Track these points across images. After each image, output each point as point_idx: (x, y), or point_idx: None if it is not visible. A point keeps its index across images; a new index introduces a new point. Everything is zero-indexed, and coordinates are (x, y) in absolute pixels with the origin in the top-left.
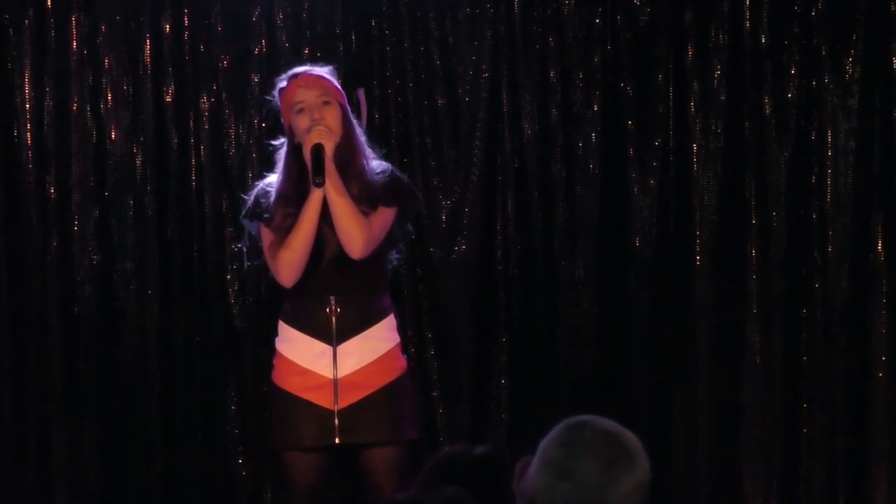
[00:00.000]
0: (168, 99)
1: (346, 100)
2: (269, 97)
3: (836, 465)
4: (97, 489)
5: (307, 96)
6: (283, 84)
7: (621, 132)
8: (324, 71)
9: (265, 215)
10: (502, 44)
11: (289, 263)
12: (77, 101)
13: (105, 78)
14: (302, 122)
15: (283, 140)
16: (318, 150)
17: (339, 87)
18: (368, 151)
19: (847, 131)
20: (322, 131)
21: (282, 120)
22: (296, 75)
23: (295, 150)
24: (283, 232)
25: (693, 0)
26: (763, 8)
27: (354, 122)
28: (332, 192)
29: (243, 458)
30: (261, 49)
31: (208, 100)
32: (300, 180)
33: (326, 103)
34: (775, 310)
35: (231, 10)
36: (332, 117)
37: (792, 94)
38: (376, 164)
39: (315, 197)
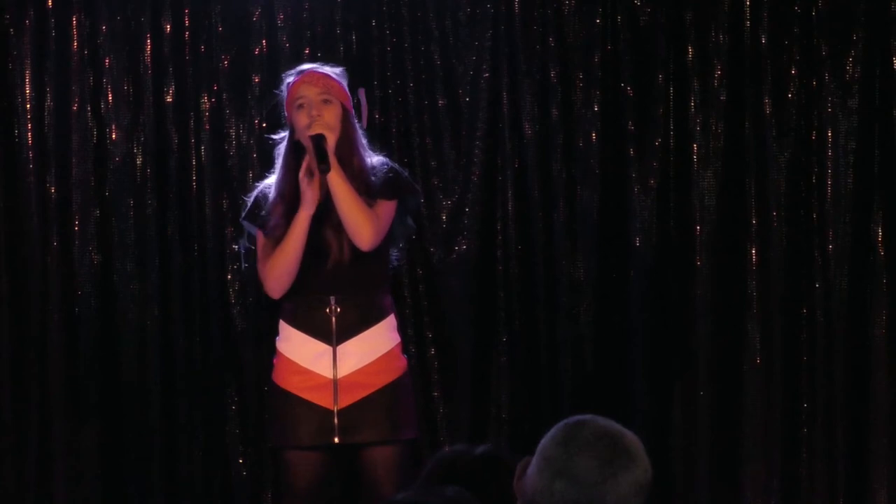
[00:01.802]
0: (168, 99)
1: (350, 102)
2: (276, 91)
3: (836, 465)
4: (97, 489)
5: (308, 92)
6: (290, 79)
7: (621, 132)
8: (332, 71)
9: (258, 221)
10: (502, 44)
11: (274, 277)
12: (77, 101)
13: (105, 78)
14: (301, 119)
15: (283, 135)
16: (319, 139)
17: (344, 87)
18: (369, 152)
19: (847, 131)
20: (322, 124)
21: (284, 114)
22: (302, 71)
23: (294, 145)
24: (275, 241)
25: (693, 0)
26: (763, 8)
27: (356, 124)
28: (337, 184)
29: (243, 458)
30: (261, 49)
31: (208, 100)
32: (298, 176)
33: (327, 101)
34: (775, 310)
35: (231, 11)
36: (332, 115)
37: (792, 94)
38: (376, 161)
39: (302, 217)
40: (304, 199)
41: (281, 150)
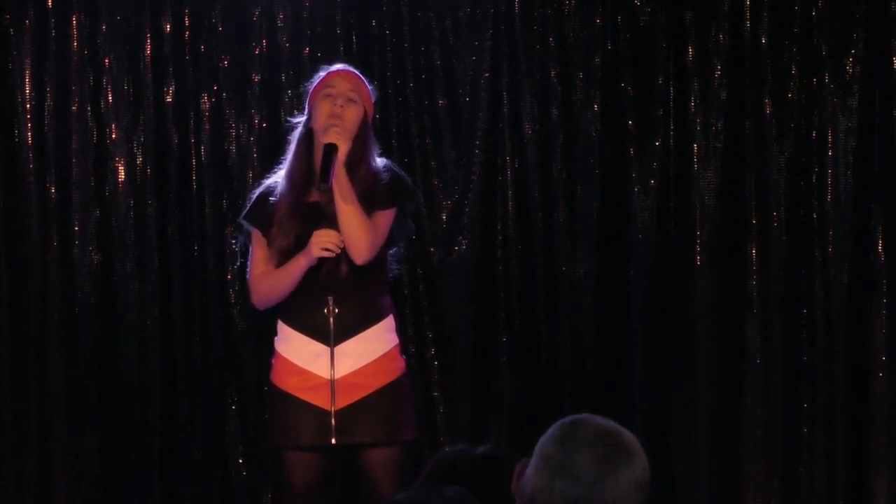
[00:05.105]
0: (168, 99)
1: (372, 111)
2: (307, 82)
3: (836, 465)
4: (97, 489)
5: (340, 84)
6: (323, 73)
7: (621, 132)
8: (366, 80)
9: (257, 222)
10: (502, 44)
11: (260, 296)
12: (77, 100)
13: (105, 78)
14: (324, 107)
15: (300, 119)
16: (329, 149)
17: (371, 97)
18: (378, 159)
19: (847, 131)
20: (338, 133)
21: (306, 104)
22: (339, 67)
23: (308, 133)
24: (277, 251)
25: (693, 0)
26: (763, 8)
27: (371, 132)
28: (340, 199)
29: (243, 458)
30: (261, 49)
31: (208, 100)
32: (309, 166)
33: (353, 101)
34: (775, 310)
35: (231, 10)
36: (353, 115)
37: (792, 94)
38: (380, 163)
39: (301, 264)
40: (308, 250)
41: (295, 136)
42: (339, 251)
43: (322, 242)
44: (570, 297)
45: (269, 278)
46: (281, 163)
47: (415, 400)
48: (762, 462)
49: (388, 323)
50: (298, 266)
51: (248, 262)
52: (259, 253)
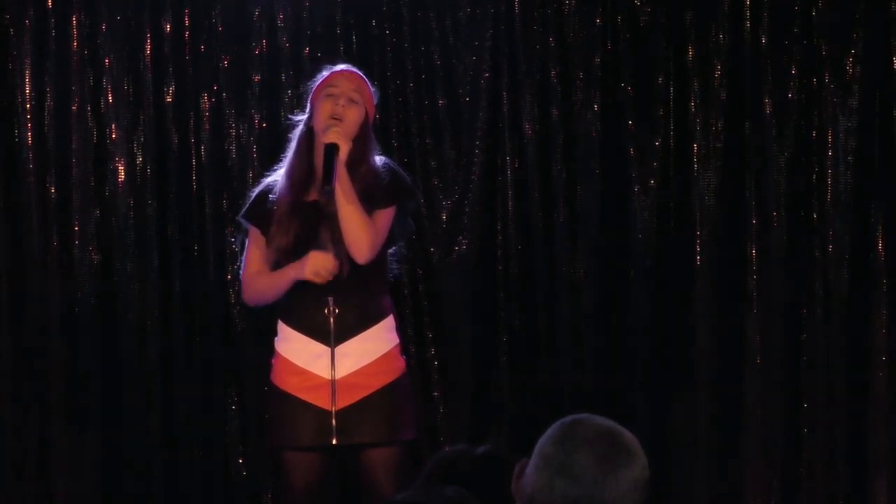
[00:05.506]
0: (168, 99)
1: (373, 112)
2: (308, 82)
3: (836, 465)
4: (97, 489)
5: (342, 84)
6: (326, 73)
7: (621, 132)
8: (369, 82)
9: (256, 220)
10: (502, 44)
11: (252, 296)
12: (77, 100)
13: (105, 78)
14: (325, 106)
15: (301, 118)
16: (331, 150)
17: (373, 98)
18: (378, 158)
19: (847, 131)
20: (339, 133)
21: (308, 102)
22: (342, 68)
23: (309, 132)
24: (273, 249)
25: (693, 0)
26: (763, 8)
27: (372, 133)
28: (342, 200)
29: (243, 458)
30: (261, 49)
31: (208, 100)
32: (309, 165)
33: (354, 101)
34: (775, 310)
35: (231, 11)
36: (354, 116)
37: (792, 94)
38: (378, 162)
39: (290, 277)
40: (302, 267)
41: (296, 134)
42: (331, 278)
43: (316, 267)
44: (570, 297)
45: (262, 278)
46: (281, 161)
47: (415, 400)
48: (762, 462)
49: (389, 323)
50: (288, 278)
51: (243, 259)
52: (255, 251)
